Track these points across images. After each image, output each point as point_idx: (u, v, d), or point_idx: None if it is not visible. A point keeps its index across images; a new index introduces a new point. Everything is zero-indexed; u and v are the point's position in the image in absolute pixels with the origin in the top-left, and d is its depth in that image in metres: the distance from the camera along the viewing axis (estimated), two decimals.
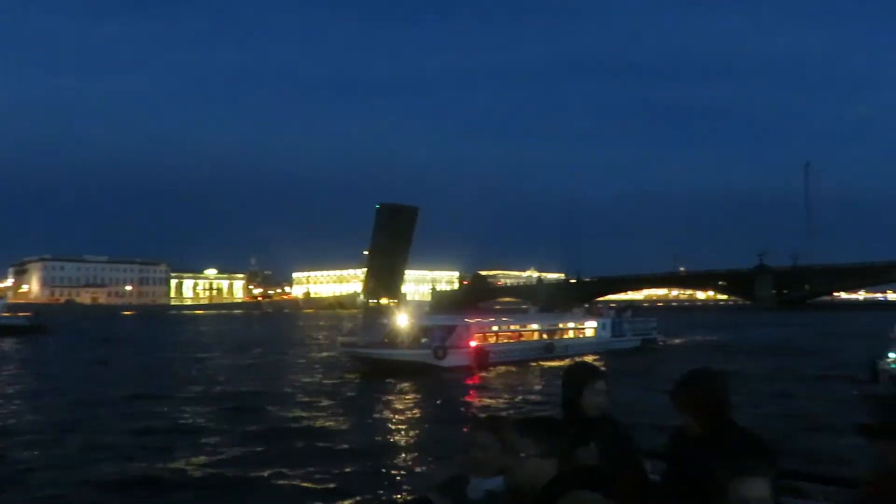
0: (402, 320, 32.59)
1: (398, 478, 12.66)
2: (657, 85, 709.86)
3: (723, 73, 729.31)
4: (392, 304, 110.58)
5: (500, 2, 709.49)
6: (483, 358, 31.83)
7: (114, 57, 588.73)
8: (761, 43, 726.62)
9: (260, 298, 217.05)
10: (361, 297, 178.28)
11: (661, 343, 40.80)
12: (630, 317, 43.90)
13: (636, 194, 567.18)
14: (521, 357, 33.35)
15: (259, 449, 15.03)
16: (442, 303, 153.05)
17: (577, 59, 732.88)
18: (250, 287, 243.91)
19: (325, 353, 40.02)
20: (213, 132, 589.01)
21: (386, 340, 32.89)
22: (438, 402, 22.58)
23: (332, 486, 12.04)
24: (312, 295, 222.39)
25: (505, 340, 35.10)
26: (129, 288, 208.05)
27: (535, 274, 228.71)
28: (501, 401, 22.29)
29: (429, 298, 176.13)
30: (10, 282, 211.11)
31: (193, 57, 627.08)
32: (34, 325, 63.41)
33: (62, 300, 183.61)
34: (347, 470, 13.01)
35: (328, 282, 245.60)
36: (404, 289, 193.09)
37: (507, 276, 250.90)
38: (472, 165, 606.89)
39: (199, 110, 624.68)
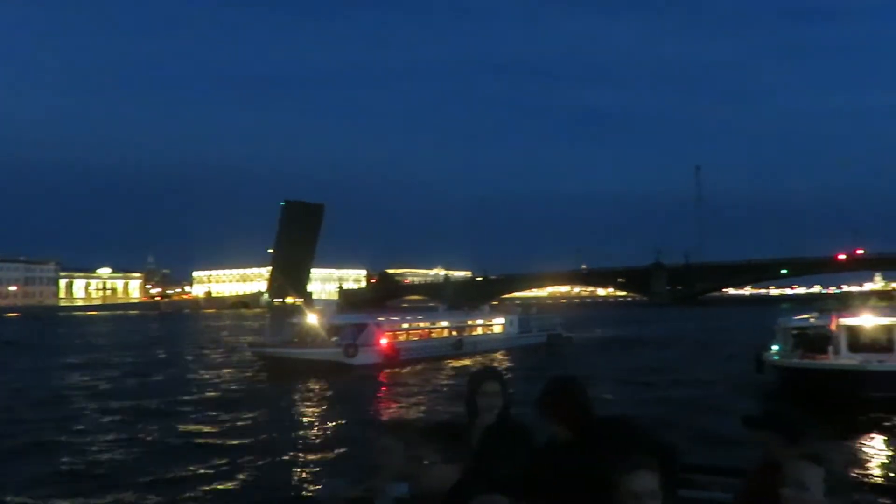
0: (312, 319, 32.22)
1: (306, 480, 12.43)
2: (561, 88, 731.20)
3: (622, 77, 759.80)
4: (298, 303, 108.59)
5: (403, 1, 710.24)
6: (394, 356, 31.91)
7: None
8: (657, 50, 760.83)
9: (158, 298, 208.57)
10: (266, 296, 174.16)
11: (565, 338, 41.96)
12: (535, 313, 44.79)
13: (541, 193, 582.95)
14: (432, 354, 33.58)
15: (158, 451, 14.65)
16: (350, 301, 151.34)
17: (486, 59, 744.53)
18: (147, 287, 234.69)
19: (230, 354, 38.87)
20: (107, 123, 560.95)
21: (296, 340, 32.52)
22: (348, 401, 22.41)
23: (231, 485, 11.93)
24: (214, 294, 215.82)
25: (415, 338, 35.32)
26: (13, 288, 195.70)
27: (443, 272, 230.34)
28: (412, 399, 22.36)
29: (336, 297, 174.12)
30: None
31: (81, 44, 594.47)
32: None
33: None
34: (251, 476, 12.69)
35: (231, 281, 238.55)
36: (311, 287, 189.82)
37: (415, 275, 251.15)
38: (378, 163, 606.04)
39: (96, 99, 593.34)
